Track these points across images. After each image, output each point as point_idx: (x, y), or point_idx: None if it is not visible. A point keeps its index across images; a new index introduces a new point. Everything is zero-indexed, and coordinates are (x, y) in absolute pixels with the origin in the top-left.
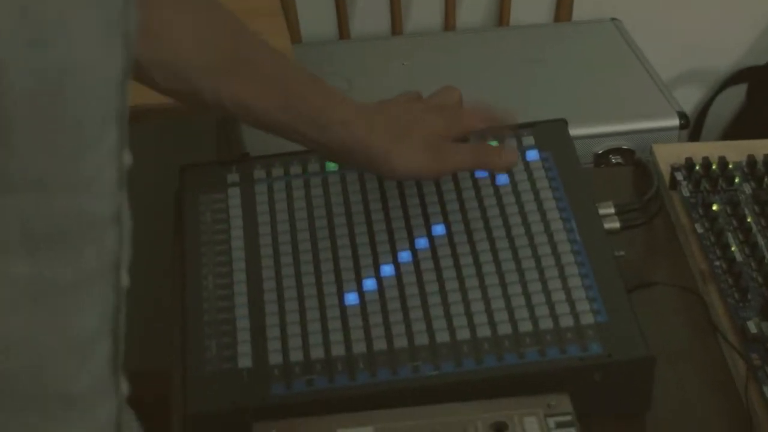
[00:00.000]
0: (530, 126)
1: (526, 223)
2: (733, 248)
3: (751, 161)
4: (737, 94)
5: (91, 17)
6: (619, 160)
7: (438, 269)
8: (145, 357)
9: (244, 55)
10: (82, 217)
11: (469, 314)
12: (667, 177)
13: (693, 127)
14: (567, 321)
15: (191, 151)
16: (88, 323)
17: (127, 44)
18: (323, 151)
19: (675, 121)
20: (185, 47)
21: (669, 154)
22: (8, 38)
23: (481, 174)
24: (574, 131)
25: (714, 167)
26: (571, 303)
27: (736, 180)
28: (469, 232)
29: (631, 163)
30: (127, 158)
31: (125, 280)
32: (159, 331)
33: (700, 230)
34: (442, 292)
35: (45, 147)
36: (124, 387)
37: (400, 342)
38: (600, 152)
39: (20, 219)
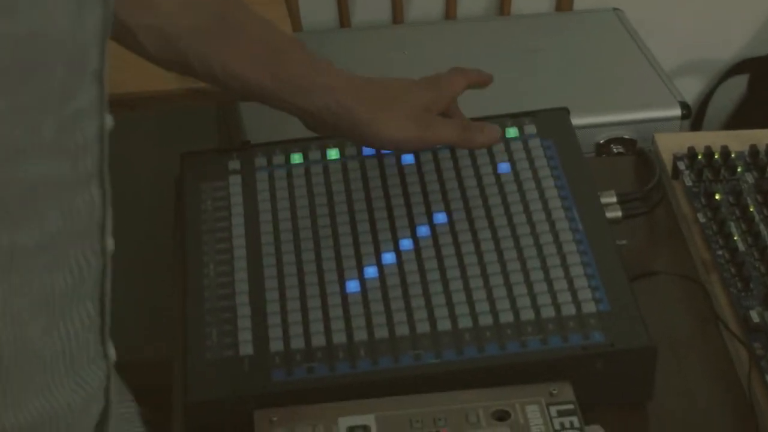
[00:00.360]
0: (532, 114)
1: (527, 212)
2: (735, 238)
3: (754, 151)
4: (739, 85)
5: None
6: (621, 150)
7: (439, 257)
8: (145, 346)
9: (231, 19)
10: (48, 180)
11: (470, 302)
12: (669, 166)
13: (694, 117)
14: (569, 309)
15: (192, 139)
16: (62, 286)
17: (104, 4)
18: (309, 118)
19: (677, 111)
20: (173, 11)
21: (671, 144)
22: None
23: (483, 162)
24: (575, 121)
25: (716, 156)
26: (573, 292)
27: (739, 169)
28: (470, 220)
29: (633, 153)
30: (108, 121)
31: (110, 245)
32: (160, 320)
33: (702, 220)
34: (444, 280)
35: (10, 112)
36: (112, 353)
37: (402, 330)
38: (601, 142)
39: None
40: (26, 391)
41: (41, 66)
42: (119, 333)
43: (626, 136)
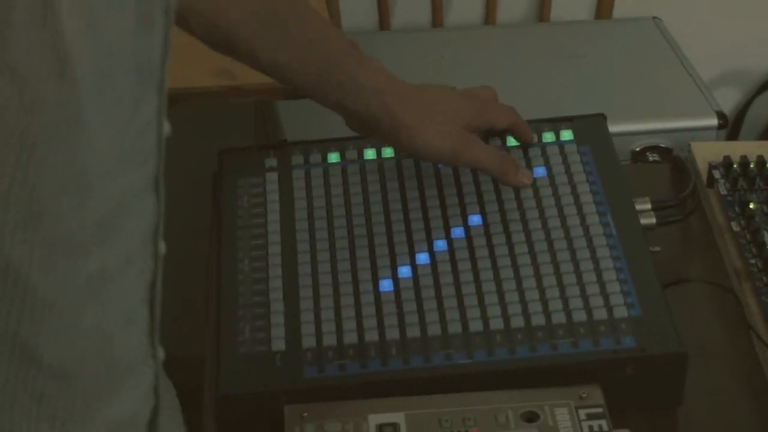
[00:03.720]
0: (569, 120)
1: (562, 216)
2: None
3: None
4: None
5: (130, 4)
6: (656, 158)
7: (473, 259)
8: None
9: (283, 13)
10: (129, 190)
11: (503, 304)
12: (704, 175)
13: (731, 127)
14: (601, 314)
15: (231, 136)
16: (137, 294)
17: (167, 16)
18: (350, 117)
19: (713, 121)
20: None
21: (707, 152)
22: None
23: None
24: (612, 128)
25: (752, 166)
26: (606, 296)
27: None
28: (505, 223)
29: (669, 161)
30: (167, 127)
31: (162, 247)
32: (194, 316)
33: (736, 228)
34: (477, 281)
35: (106, 133)
36: (161, 353)
37: (434, 330)
38: (637, 150)
39: (96, 213)
40: (99, 402)
41: (119, 78)
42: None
43: (662, 145)
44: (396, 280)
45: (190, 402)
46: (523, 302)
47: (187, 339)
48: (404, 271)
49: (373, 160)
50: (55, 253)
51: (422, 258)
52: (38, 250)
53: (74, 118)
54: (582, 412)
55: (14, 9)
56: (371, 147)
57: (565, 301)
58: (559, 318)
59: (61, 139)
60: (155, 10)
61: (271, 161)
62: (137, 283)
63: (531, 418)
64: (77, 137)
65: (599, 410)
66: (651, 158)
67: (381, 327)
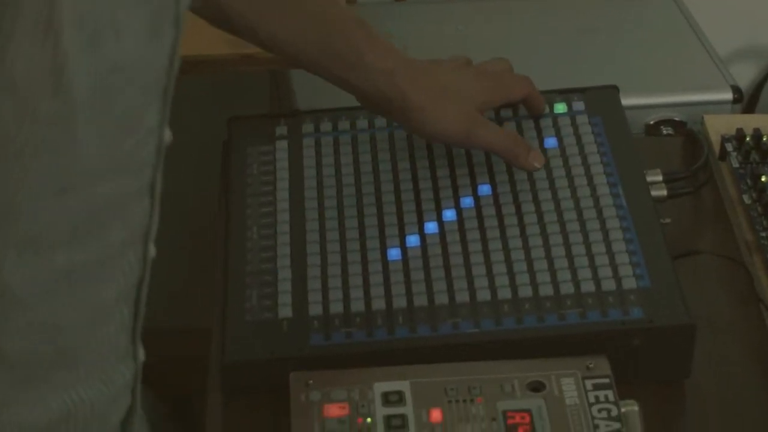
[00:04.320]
0: (581, 91)
1: (572, 187)
2: None
3: None
4: None
5: (141, 14)
6: (670, 132)
7: (482, 229)
8: (183, 314)
9: None
10: (115, 196)
11: (511, 274)
12: (717, 147)
13: (747, 102)
14: (609, 285)
15: (244, 104)
16: (111, 294)
17: (177, 26)
18: (360, 95)
19: (728, 95)
20: None
21: (720, 125)
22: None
23: (530, 136)
24: (625, 101)
25: (765, 139)
26: (614, 267)
27: None
28: (514, 193)
29: (681, 134)
30: (167, 135)
31: (152, 251)
32: (201, 287)
33: (747, 201)
34: (485, 251)
35: (98, 142)
36: (141, 354)
37: (441, 299)
38: (651, 123)
39: (70, 215)
40: (52, 389)
41: (121, 93)
42: (161, 299)
43: (676, 118)
44: (404, 249)
45: (196, 373)
46: (532, 272)
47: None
48: (413, 240)
49: (383, 129)
50: (25, 251)
51: (431, 227)
52: (11, 248)
53: (66, 130)
54: (588, 383)
55: (17, 22)
56: (382, 117)
57: (574, 272)
58: (567, 288)
59: (49, 149)
60: (165, 22)
61: (282, 130)
62: (116, 284)
63: (537, 387)
64: (66, 148)
65: (606, 380)
66: (665, 131)
67: (388, 295)
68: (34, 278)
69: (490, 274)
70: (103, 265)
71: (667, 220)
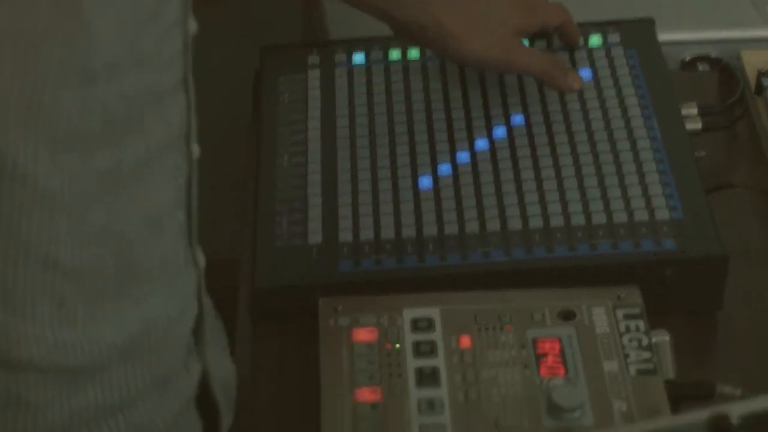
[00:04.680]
0: (617, 24)
1: (606, 119)
2: None
3: None
4: None
5: None
6: (707, 69)
7: (514, 158)
8: (212, 245)
9: None
10: (148, 91)
11: (543, 203)
12: (753, 82)
13: None
14: (642, 215)
15: (274, 35)
16: (164, 197)
17: None
18: (397, 26)
19: (766, 32)
20: None
21: (757, 60)
22: None
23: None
24: (662, 36)
25: None
26: (648, 198)
27: None
28: (548, 124)
29: (717, 69)
30: (193, 26)
31: (196, 150)
32: (229, 219)
33: None
34: (517, 180)
35: (115, 30)
36: (201, 259)
37: (472, 227)
38: (687, 59)
39: (102, 108)
40: (124, 304)
41: None
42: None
43: (712, 55)
44: (436, 177)
45: (224, 303)
46: (564, 202)
47: (221, 242)
48: (444, 169)
49: (416, 59)
50: (59, 151)
51: (463, 156)
52: (42, 147)
53: (71, 13)
54: (619, 312)
55: None
56: (415, 46)
57: (607, 202)
58: (599, 218)
59: (57, 34)
60: None
61: (314, 59)
62: (165, 186)
63: (567, 316)
64: (75, 33)
65: (637, 310)
66: (701, 68)
67: (419, 223)
68: (75, 180)
69: (521, 204)
70: (148, 166)
71: (702, 153)
